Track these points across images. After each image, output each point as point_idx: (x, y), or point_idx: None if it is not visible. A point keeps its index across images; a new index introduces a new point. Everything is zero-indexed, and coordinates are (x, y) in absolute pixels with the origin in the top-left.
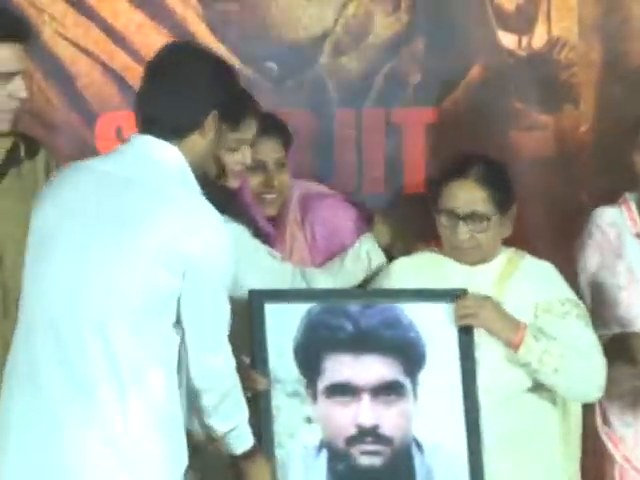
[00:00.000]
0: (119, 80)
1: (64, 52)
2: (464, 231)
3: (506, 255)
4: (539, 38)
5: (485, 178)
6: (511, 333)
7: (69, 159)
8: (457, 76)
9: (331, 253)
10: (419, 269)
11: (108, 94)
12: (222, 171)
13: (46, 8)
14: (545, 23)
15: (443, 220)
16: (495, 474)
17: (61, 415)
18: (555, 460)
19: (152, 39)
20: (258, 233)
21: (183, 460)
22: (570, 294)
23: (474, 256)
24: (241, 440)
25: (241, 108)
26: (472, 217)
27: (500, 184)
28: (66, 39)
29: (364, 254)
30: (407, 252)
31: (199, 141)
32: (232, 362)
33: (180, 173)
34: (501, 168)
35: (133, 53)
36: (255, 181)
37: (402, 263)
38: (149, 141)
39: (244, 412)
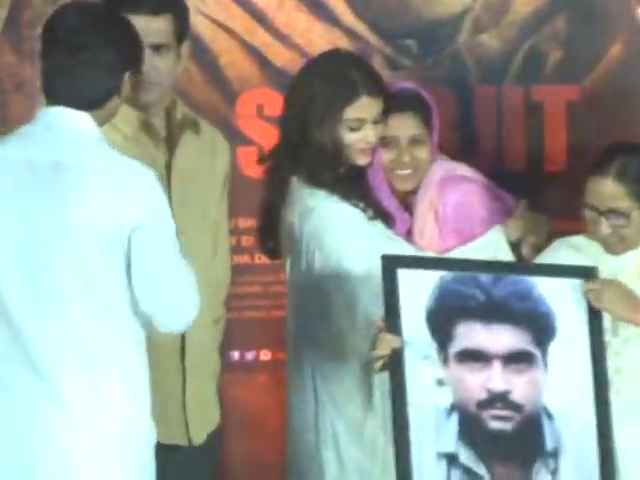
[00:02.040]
0: (260, 58)
1: (205, 30)
2: (605, 226)
3: None
4: None
5: (625, 174)
6: (632, 313)
7: None
8: (598, 53)
9: (460, 240)
10: (573, 248)
11: (248, 72)
12: (339, 151)
13: None
14: None
15: (586, 213)
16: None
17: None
18: None
19: (293, 16)
20: (381, 215)
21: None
22: None
23: (618, 248)
24: None
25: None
26: (612, 213)
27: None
28: (207, 17)
29: (489, 247)
30: (538, 250)
31: (116, 101)
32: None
33: (97, 140)
34: None
35: (274, 30)
36: (387, 157)
37: (560, 242)
38: (62, 113)
39: None
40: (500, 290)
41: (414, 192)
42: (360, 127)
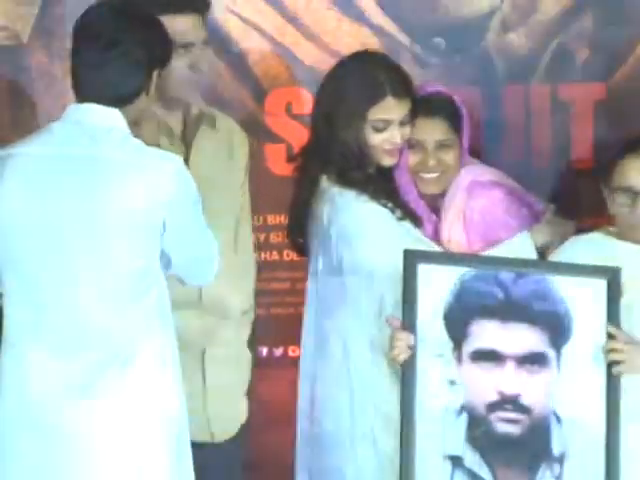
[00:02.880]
0: (289, 56)
1: (234, 28)
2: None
3: None
4: None
5: None
6: None
7: None
8: (626, 52)
9: (487, 244)
10: (590, 246)
11: (277, 70)
12: (364, 151)
13: None
14: None
15: (617, 198)
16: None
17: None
18: None
19: (322, 14)
20: (409, 216)
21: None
22: None
23: None
24: None
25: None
26: None
27: None
28: (236, 15)
29: (514, 252)
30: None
31: (144, 99)
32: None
33: (126, 135)
34: None
35: (303, 29)
36: (413, 160)
37: (576, 240)
38: (92, 109)
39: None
40: (520, 289)
41: (442, 195)
42: (386, 128)
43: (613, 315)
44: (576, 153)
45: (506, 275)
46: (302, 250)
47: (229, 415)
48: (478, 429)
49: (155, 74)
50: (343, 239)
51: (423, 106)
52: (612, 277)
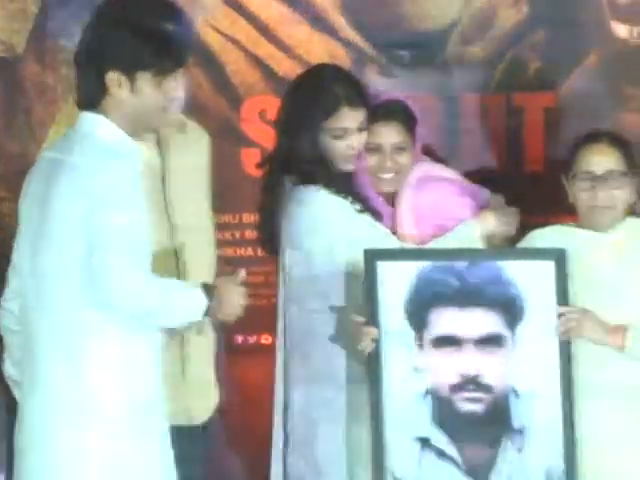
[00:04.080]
0: (263, 67)
1: (214, 41)
2: (602, 189)
3: (630, 223)
4: None
5: (617, 140)
6: (613, 337)
7: (215, 139)
8: (573, 63)
9: (436, 235)
10: (551, 236)
11: (252, 80)
12: (323, 157)
13: (198, 1)
14: None
15: (580, 183)
16: (599, 425)
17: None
18: None
19: (294, 29)
20: (369, 210)
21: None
22: None
23: (608, 216)
24: (195, 308)
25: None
26: (610, 175)
27: (628, 148)
28: (216, 29)
29: (462, 239)
30: (511, 242)
31: (125, 100)
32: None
33: (91, 138)
34: (626, 139)
35: (277, 42)
36: (371, 162)
37: (535, 232)
38: (79, 116)
39: (178, 297)
40: (474, 276)
41: (397, 194)
42: (344, 135)
43: (561, 293)
44: (528, 155)
45: (460, 264)
46: (272, 250)
47: (206, 397)
48: (443, 410)
49: (144, 75)
50: (307, 229)
51: (380, 112)
52: (558, 258)
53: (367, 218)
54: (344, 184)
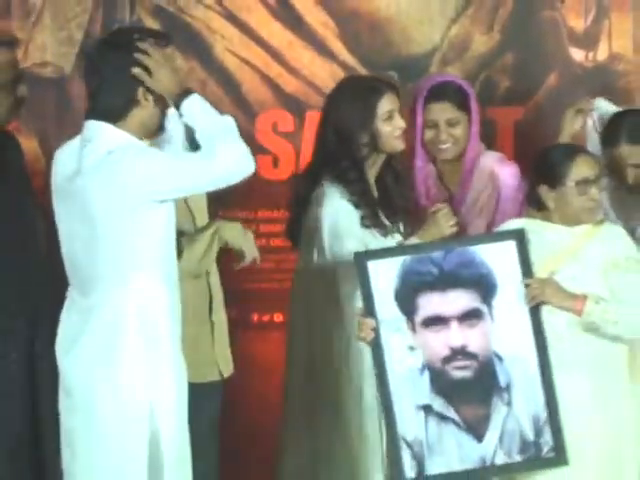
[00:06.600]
0: (274, 86)
1: (231, 64)
2: (596, 191)
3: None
4: (602, 53)
5: (591, 154)
6: (573, 302)
7: None
8: (538, 83)
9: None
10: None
11: (265, 97)
12: (375, 139)
13: (218, 30)
14: (606, 41)
15: (578, 190)
16: (572, 386)
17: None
18: (624, 391)
19: (299, 53)
20: (377, 225)
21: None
22: (635, 253)
23: (597, 215)
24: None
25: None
26: (598, 179)
27: (598, 158)
28: (233, 53)
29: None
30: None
31: (135, 111)
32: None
33: (90, 145)
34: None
35: (285, 64)
36: (429, 135)
37: (508, 223)
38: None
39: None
40: (450, 262)
41: (453, 161)
42: (392, 116)
43: (526, 267)
44: None
45: (437, 254)
46: (296, 242)
47: (228, 358)
48: (439, 379)
49: (140, 90)
50: (315, 227)
51: (434, 92)
52: (518, 237)
53: (365, 235)
54: (368, 190)
